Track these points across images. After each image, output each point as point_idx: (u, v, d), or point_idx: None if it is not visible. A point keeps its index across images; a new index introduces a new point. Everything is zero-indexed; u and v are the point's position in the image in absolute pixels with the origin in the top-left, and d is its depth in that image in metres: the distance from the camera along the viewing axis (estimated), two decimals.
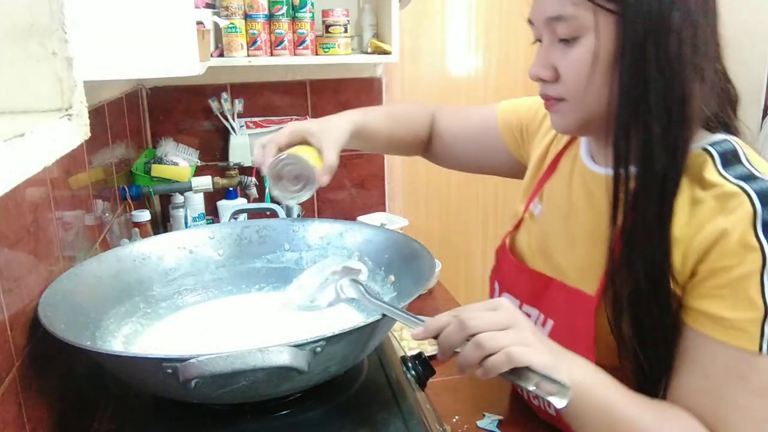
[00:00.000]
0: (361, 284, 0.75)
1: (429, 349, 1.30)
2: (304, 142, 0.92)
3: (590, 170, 0.84)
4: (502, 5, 2.67)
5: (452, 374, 1.15)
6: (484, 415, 0.99)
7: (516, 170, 1.08)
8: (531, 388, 0.58)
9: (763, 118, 2.13)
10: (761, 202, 0.65)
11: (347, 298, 0.75)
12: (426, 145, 1.15)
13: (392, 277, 0.92)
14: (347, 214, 2.15)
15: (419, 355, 0.88)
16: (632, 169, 0.72)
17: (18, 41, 0.52)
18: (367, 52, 1.99)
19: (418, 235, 0.99)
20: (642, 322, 0.72)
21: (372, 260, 0.96)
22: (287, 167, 0.88)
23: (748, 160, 0.71)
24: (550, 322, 0.84)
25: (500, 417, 0.98)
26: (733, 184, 0.68)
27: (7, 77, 0.53)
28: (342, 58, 1.91)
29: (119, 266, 0.90)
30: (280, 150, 0.90)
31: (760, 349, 0.65)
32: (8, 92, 0.53)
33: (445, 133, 1.13)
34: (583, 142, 0.89)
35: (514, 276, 0.93)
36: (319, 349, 0.63)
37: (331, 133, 0.93)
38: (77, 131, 0.54)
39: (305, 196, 0.90)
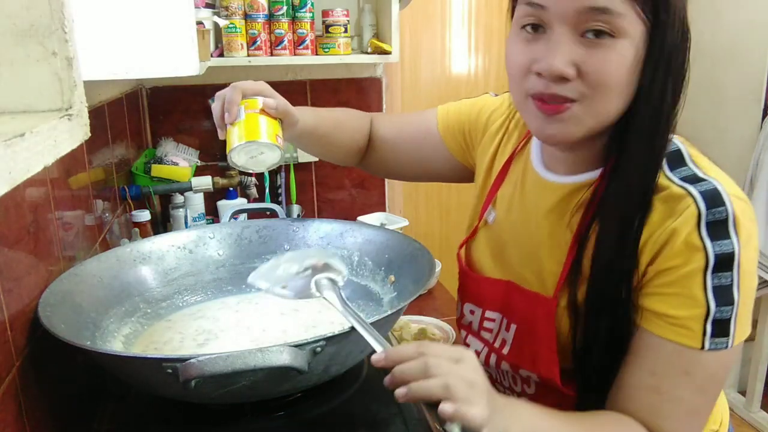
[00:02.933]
0: (338, 288, 0.73)
1: None
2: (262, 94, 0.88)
3: (545, 180, 0.81)
4: (503, 5, 2.67)
5: None
6: None
7: (461, 175, 1.04)
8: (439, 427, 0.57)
9: (763, 118, 2.13)
10: (705, 204, 0.67)
11: (320, 297, 0.72)
12: (363, 155, 1.09)
13: (392, 277, 0.92)
14: (347, 214, 2.15)
15: None
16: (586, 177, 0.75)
17: (18, 41, 0.52)
18: (367, 52, 1.99)
19: (418, 235, 1.00)
20: (599, 325, 0.74)
21: (372, 260, 0.96)
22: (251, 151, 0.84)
23: (692, 160, 0.72)
24: (513, 326, 0.84)
25: None
26: (679, 186, 0.69)
27: (7, 77, 0.53)
28: (342, 58, 1.91)
29: (119, 266, 0.90)
30: (244, 96, 0.86)
31: (702, 345, 0.67)
32: (8, 92, 0.53)
33: (384, 141, 1.07)
34: (534, 150, 0.85)
35: (473, 286, 0.91)
36: (319, 349, 0.63)
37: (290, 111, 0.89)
38: (77, 131, 0.54)
39: (270, 162, 0.86)
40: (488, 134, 0.95)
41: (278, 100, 0.87)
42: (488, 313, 0.88)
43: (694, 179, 0.69)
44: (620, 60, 0.66)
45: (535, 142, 0.86)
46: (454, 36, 2.70)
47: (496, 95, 1.00)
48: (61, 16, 0.52)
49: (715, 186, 0.68)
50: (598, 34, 0.65)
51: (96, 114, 1.24)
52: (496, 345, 0.87)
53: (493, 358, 0.87)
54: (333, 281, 0.73)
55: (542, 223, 0.81)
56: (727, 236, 0.66)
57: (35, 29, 0.52)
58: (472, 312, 0.91)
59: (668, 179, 0.70)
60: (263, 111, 0.85)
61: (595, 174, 0.76)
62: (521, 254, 0.84)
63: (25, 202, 0.75)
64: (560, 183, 0.79)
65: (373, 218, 1.91)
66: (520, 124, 0.90)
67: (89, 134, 0.56)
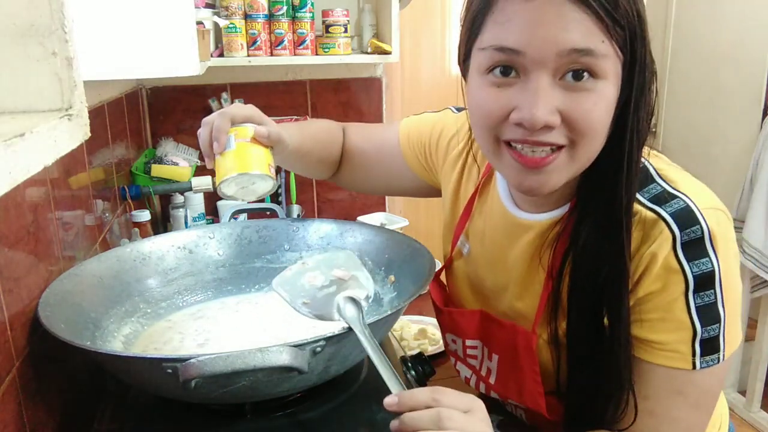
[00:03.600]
0: (362, 313, 0.68)
1: (429, 349, 1.30)
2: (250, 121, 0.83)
3: (515, 217, 0.78)
4: None
5: (452, 374, 1.16)
6: None
7: (428, 192, 1.01)
8: None
9: (763, 118, 2.13)
10: (678, 225, 0.65)
11: (340, 321, 0.67)
12: (336, 168, 1.05)
13: (392, 277, 0.92)
14: (347, 214, 2.15)
15: (419, 355, 0.88)
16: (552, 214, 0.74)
17: (18, 41, 0.52)
18: (367, 52, 1.99)
19: (418, 235, 0.99)
20: (583, 357, 0.73)
21: (372, 260, 0.96)
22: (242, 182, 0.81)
23: (659, 175, 0.70)
24: (496, 357, 0.84)
25: (500, 417, 0.98)
26: (649, 209, 0.67)
27: (7, 77, 0.53)
28: (342, 58, 1.91)
29: (119, 266, 0.90)
30: (233, 123, 0.81)
31: (694, 366, 0.67)
32: (8, 92, 0.53)
33: (354, 153, 1.03)
34: (500, 186, 0.82)
35: (448, 319, 0.90)
36: (319, 349, 0.63)
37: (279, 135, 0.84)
38: (77, 131, 0.54)
39: (261, 192, 0.83)
40: (449, 161, 0.92)
41: (270, 128, 0.82)
42: (469, 342, 0.88)
43: (663, 198, 0.67)
44: (604, 102, 0.63)
45: (500, 178, 0.83)
46: (454, 36, 2.70)
47: (459, 110, 0.94)
48: (61, 16, 0.52)
49: (686, 204, 0.66)
50: (578, 76, 0.61)
51: (96, 114, 1.24)
52: (483, 373, 0.87)
53: (482, 387, 0.88)
54: (357, 303, 0.68)
55: (516, 259, 0.79)
56: (704, 254, 0.65)
57: (35, 29, 0.52)
58: (453, 341, 0.91)
59: (638, 202, 0.68)
60: (254, 139, 0.80)
61: (564, 209, 0.74)
62: (498, 289, 0.83)
63: (25, 202, 0.75)
64: (531, 221, 0.76)
65: (373, 218, 1.91)
66: (479, 158, 0.87)
67: (89, 134, 0.56)
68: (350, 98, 2.12)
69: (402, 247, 0.93)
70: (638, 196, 0.68)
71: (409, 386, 0.82)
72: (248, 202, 0.86)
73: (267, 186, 0.82)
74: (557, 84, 0.62)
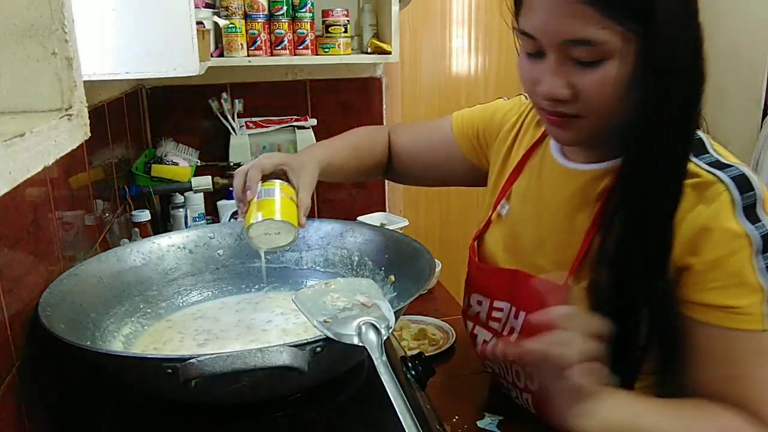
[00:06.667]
0: (382, 340, 0.67)
1: (429, 349, 1.30)
2: (282, 172, 0.92)
3: (564, 166, 0.84)
4: (502, 5, 2.66)
5: (452, 374, 1.16)
6: (484, 415, 0.99)
7: (478, 179, 1.08)
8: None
9: (763, 118, 2.13)
10: (738, 189, 0.70)
11: (359, 345, 0.66)
12: (386, 167, 1.15)
13: (392, 277, 0.92)
14: (347, 214, 2.15)
15: (419, 355, 0.88)
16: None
17: (18, 41, 0.52)
18: (367, 52, 1.99)
19: (418, 235, 1.00)
20: (626, 309, 0.74)
21: (372, 260, 0.96)
22: (269, 228, 0.86)
23: (713, 149, 0.76)
24: (523, 314, 0.85)
25: (500, 417, 0.98)
26: (708, 172, 0.72)
27: (7, 77, 0.53)
28: (342, 58, 1.91)
29: (119, 266, 0.90)
30: (263, 174, 0.90)
31: (766, 327, 0.69)
32: (8, 92, 0.53)
33: (403, 152, 1.12)
34: (553, 142, 0.89)
35: (482, 278, 0.93)
36: (319, 349, 0.63)
37: (305, 174, 0.93)
38: (77, 131, 0.54)
39: (283, 243, 0.88)
40: (502, 133, 0.99)
41: (300, 197, 0.89)
42: (497, 303, 0.90)
43: (719, 165, 0.72)
44: (609, 79, 0.68)
45: None
46: (454, 36, 2.70)
47: (508, 99, 1.04)
48: (61, 16, 0.52)
49: (742, 171, 0.71)
50: (589, 60, 0.68)
51: (96, 114, 1.24)
52: (505, 333, 0.88)
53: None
54: (378, 330, 0.68)
55: (559, 209, 0.83)
56: (759, 219, 0.69)
57: (35, 29, 0.52)
58: (479, 303, 0.93)
59: (697, 165, 0.72)
60: (283, 190, 0.89)
61: (614, 162, 0.77)
62: (534, 242, 0.86)
63: (25, 202, 0.75)
64: (580, 170, 0.81)
65: (373, 218, 1.91)
66: (535, 122, 0.94)
67: (89, 134, 0.56)
68: (350, 98, 2.12)
69: (402, 247, 0.93)
70: (696, 160, 0.73)
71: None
72: (265, 253, 0.93)
73: (289, 237, 0.87)
74: (569, 62, 0.70)
